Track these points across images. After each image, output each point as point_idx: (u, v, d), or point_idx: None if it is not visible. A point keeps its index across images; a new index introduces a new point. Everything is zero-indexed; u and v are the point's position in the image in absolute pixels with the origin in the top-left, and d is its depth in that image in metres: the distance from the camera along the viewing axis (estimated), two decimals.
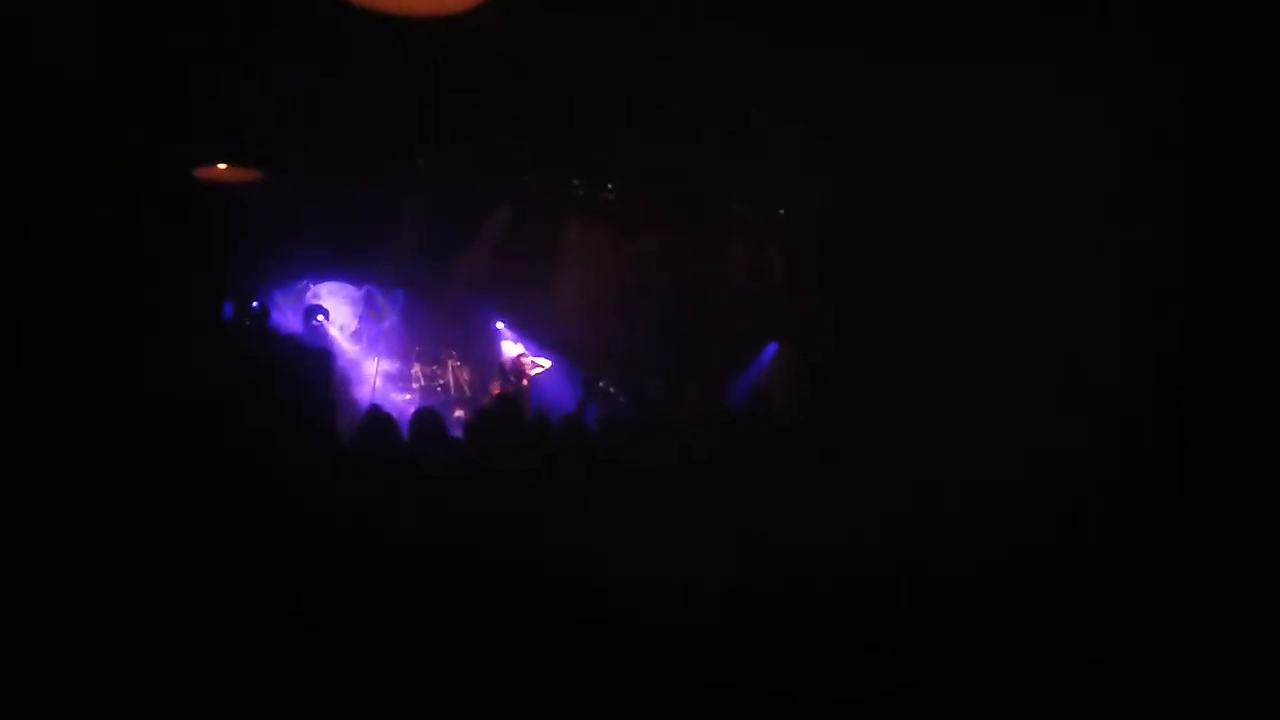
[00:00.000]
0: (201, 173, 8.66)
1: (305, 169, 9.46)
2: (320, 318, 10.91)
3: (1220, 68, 4.38)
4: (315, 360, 8.19)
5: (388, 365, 11.26)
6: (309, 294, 11.22)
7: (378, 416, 5.21)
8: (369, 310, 11.63)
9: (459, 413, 10.94)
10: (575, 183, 11.55)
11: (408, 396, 11.14)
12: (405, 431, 5.23)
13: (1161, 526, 3.86)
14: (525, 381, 11.33)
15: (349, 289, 11.54)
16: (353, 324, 11.49)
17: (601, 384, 11.47)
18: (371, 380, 10.84)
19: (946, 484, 4.21)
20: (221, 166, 8.85)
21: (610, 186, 11.61)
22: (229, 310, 9.17)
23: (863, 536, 3.95)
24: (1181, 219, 4.45)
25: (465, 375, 11.74)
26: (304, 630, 3.45)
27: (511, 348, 11.88)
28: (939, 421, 4.87)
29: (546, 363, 11.54)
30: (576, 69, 7.71)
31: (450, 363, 11.70)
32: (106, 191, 5.16)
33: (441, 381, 11.55)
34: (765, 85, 7.19)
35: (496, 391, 11.28)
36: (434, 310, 11.80)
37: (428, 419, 5.35)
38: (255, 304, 10.05)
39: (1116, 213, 4.72)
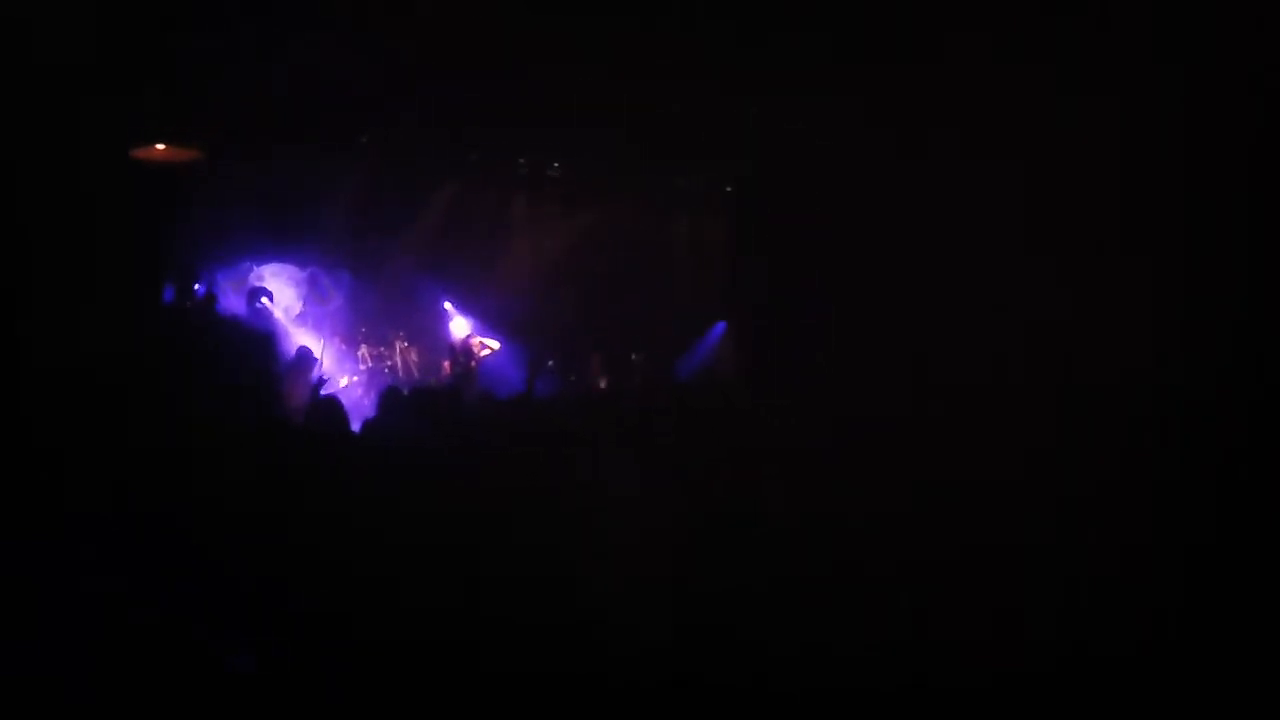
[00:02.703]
0: (141, 153, 8.59)
1: (246, 147, 9.40)
2: (264, 300, 10.65)
3: (1220, 68, 4.38)
4: (259, 343, 8.13)
5: (334, 347, 11.04)
6: (252, 276, 11.01)
7: (324, 401, 5.24)
8: (314, 292, 11.47)
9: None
10: (520, 160, 11.51)
11: (355, 378, 11.01)
12: (350, 415, 5.25)
13: (1161, 526, 3.86)
14: (474, 363, 11.24)
15: (293, 270, 11.36)
16: (297, 306, 11.32)
17: (550, 363, 11.47)
18: (318, 363, 10.79)
19: (931, 481, 4.22)
20: (160, 147, 8.79)
21: (556, 164, 11.56)
22: (169, 294, 9.04)
23: (831, 523, 3.96)
24: (1181, 219, 4.45)
25: (413, 356, 11.58)
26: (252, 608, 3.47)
27: (461, 328, 11.82)
28: (927, 420, 4.88)
29: (495, 344, 11.48)
30: (525, 48, 7.70)
31: (398, 343, 11.55)
32: (46, 173, 5.16)
33: (389, 363, 11.41)
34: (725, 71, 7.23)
35: (448, 371, 11.22)
36: (380, 291, 11.67)
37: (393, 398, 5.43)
38: (200, 288, 9.86)
39: (1116, 212, 4.72)
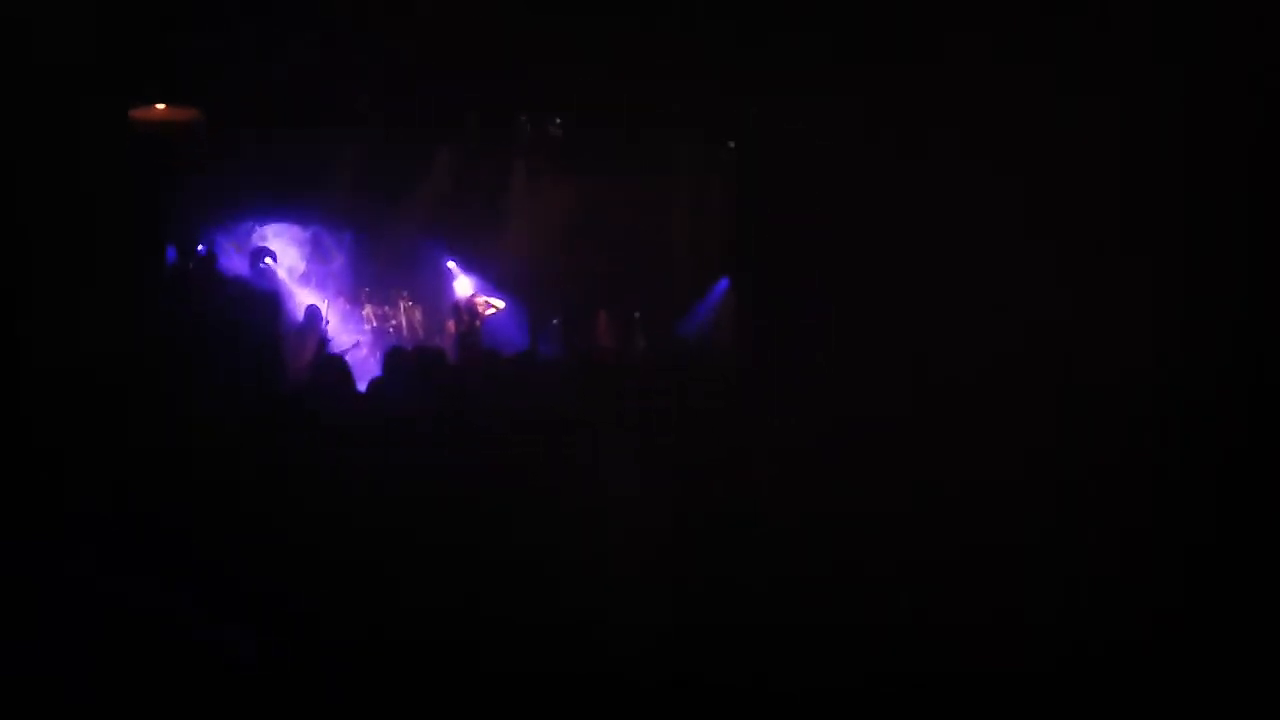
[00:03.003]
0: (139, 114, 8.58)
1: (248, 109, 9.39)
2: (267, 260, 10.67)
3: (1220, 68, 4.38)
4: (263, 303, 8.13)
5: (338, 307, 11.11)
6: (255, 236, 11.02)
7: (329, 360, 5.23)
8: (316, 252, 11.46)
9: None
10: (522, 118, 11.45)
11: (359, 338, 11.02)
12: (355, 374, 5.26)
13: (1161, 526, 3.86)
14: (479, 321, 11.24)
15: (296, 230, 11.33)
16: (301, 266, 11.30)
17: (555, 321, 11.47)
18: (322, 322, 10.77)
19: (930, 480, 4.23)
20: (160, 107, 8.77)
21: (558, 121, 11.52)
22: (172, 255, 9.00)
23: (846, 529, 3.97)
24: (1181, 219, 4.45)
25: (418, 315, 11.61)
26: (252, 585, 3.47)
27: (465, 287, 11.80)
28: (925, 420, 4.89)
29: (500, 303, 11.46)
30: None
31: (402, 303, 11.57)
32: (42, 137, 5.14)
33: (394, 322, 11.43)
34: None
35: (452, 330, 11.24)
36: (383, 250, 11.65)
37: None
38: (201, 248, 9.88)
39: (1116, 212, 4.72)
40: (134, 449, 4.13)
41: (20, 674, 2.81)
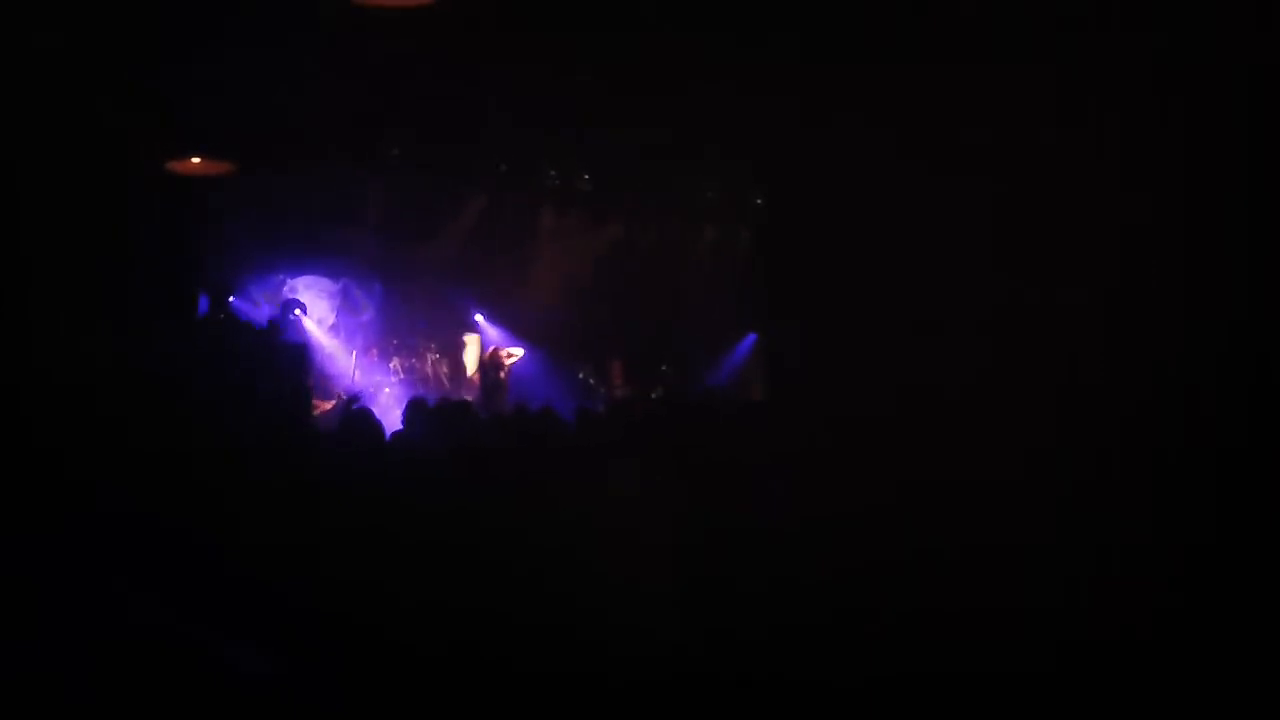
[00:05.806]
0: (173, 165, 8.69)
1: (277, 160, 9.47)
2: (297, 312, 10.77)
3: (1220, 67, 4.38)
4: (292, 354, 8.19)
5: (366, 359, 11.28)
6: (286, 288, 11.19)
7: (356, 411, 5.26)
8: (346, 304, 11.63)
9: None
10: (550, 171, 11.56)
11: (386, 390, 11.14)
12: (384, 424, 5.28)
13: (1161, 526, 3.86)
14: (503, 373, 11.34)
15: (326, 283, 11.52)
16: (330, 318, 11.48)
17: (581, 375, 11.53)
18: (350, 374, 10.80)
19: (931, 481, 4.22)
20: (195, 160, 8.88)
21: (586, 176, 11.61)
22: (204, 305, 9.13)
23: (848, 530, 3.97)
24: (1181, 219, 4.45)
25: (444, 367, 11.75)
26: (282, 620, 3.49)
27: (491, 339, 11.93)
28: (925, 420, 4.89)
29: (519, 351, 11.57)
30: (550, 55, 7.75)
31: (429, 355, 11.71)
32: (79, 185, 5.20)
33: (420, 374, 11.57)
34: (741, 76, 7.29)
35: (477, 383, 11.33)
36: (411, 303, 11.83)
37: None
38: (232, 300, 10.02)
39: (1115, 212, 4.72)
40: (157, 459, 4.18)
41: (20, 674, 2.83)
